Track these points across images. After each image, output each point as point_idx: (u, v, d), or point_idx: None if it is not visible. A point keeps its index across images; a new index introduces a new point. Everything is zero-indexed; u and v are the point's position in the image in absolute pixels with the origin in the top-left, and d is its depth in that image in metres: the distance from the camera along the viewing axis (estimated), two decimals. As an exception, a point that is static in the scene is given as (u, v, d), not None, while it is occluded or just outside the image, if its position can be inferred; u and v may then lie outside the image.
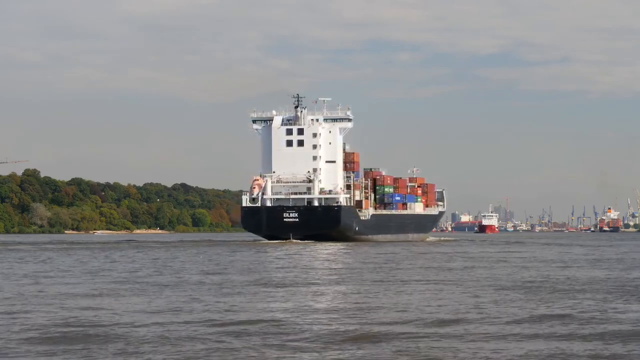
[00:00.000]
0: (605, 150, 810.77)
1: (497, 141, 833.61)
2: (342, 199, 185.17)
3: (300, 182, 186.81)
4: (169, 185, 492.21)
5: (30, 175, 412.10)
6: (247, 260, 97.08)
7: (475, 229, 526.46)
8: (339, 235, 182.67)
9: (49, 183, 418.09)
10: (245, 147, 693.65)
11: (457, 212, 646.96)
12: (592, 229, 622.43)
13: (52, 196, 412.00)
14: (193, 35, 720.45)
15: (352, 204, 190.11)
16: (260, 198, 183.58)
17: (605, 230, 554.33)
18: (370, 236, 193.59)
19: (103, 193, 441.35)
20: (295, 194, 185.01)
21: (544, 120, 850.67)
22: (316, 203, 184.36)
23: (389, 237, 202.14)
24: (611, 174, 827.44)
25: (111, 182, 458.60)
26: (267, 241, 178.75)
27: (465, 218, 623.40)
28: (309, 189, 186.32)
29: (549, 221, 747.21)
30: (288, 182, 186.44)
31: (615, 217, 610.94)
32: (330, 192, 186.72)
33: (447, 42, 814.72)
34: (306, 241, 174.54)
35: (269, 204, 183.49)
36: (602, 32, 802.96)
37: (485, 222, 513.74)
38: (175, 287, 58.87)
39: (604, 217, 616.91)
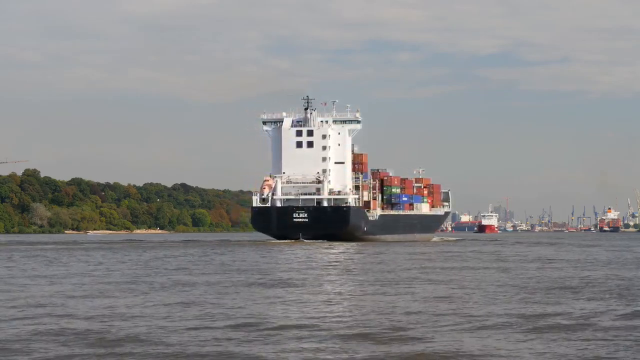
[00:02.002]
0: (605, 150, 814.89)
1: (497, 141, 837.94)
2: (351, 199, 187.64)
3: (309, 182, 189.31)
4: (169, 185, 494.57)
5: (30, 175, 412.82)
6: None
7: (475, 229, 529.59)
8: (347, 235, 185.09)
9: (49, 183, 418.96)
10: (245, 147, 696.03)
11: (457, 212, 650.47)
12: (592, 228, 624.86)
13: (52, 196, 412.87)
14: (193, 35, 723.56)
15: (360, 205, 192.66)
16: (270, 198, 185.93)
17: (605, 230, 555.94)
18: (378, 236, 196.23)
19: (103, 193, 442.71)
20: (305, 194, 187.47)
21: (544, 120, 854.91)
22: (325, 203, 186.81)
23: (396, 237, 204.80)
24: (611, 174, 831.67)
25: (111, 182, 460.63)
26: (277, 241, 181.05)
27: (465, 218, 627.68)
28: (318, 189, 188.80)
29: (549, 221, 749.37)
30: (298, 183, 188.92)
31: (615, 217, 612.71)
32: (339, 192, 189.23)
33: (447, 42, 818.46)
34: (314, 241, 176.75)
35: (278, 204, 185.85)
36: (602, 32, 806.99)
37: (484, 222, 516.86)
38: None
39: (604, 217, 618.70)
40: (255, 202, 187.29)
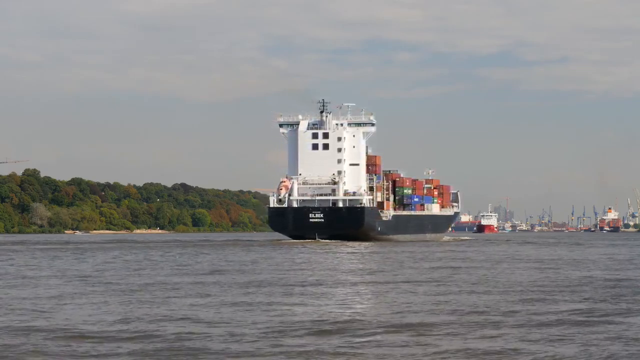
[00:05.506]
0: (605, 151, 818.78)
1: (497, 141, 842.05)
2: (366, 200, 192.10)
3: (325, 184, 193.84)
4: (169, 185, 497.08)
5: (30, 175, 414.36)
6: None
7: (474, 229, 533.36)
8: (362, 235, 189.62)
9: (49, 183, 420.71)
10: (245, 147, 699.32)
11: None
12: (592, 228, 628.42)
13: (52, 196, 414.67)
14: (192, 35, 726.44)
15: (374, 205, 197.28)
16: (286, 199, 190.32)
17: (606, 231, 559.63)
18: (391, 236, 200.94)
19: (103, 193, 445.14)
20: (321, 195, 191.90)
21: (544, 120, 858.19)
22: (341, 204, 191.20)
23: (408, 237, 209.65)
24: (611, 174, 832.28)
25: (111, 182, 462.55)
26: (293, 240, 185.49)
27: (465, 218, 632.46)
28: (333, 190, 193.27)
29: (549, 221, 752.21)
30: (314, 184, 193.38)
31: (616, 217, 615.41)
32: (354, 193, 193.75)
33: (447, 42, 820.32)
34: (331, 241, 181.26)
35: (295, 205, 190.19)
36: (602, 32, 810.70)
37: (484, 222, 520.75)
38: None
39: (604, 217, 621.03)
40: (272, 202, 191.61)
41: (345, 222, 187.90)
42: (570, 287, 60.50)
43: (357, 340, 35.76)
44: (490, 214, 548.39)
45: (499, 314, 43.80)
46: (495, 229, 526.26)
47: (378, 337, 36.38)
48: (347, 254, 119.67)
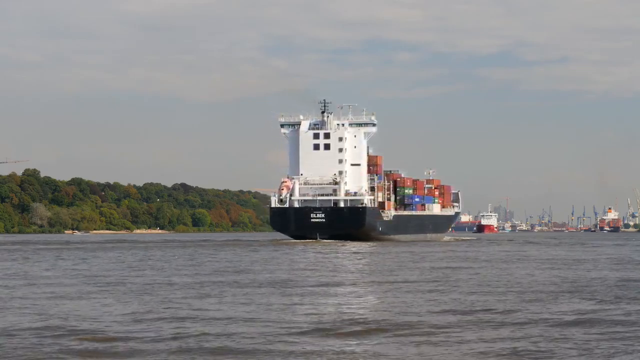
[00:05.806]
0: (605, 151, 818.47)
1: (497, 141, 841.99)
2: (367, 200, 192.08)
3: (326, 184, 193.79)
4: (169, 185, 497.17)
5: (30, 175, 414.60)
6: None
7: (474, 229, 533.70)
8: (363, 235, 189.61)
9: (49, 183, 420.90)
10: (245, 147, 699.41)
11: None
12: (592, 228, 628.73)
13: (52, 196, 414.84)
14: (192, 35, 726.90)
15: (375, 205, 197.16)
16: (288, 199, 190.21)
17: (606, 231, 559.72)
18: (392, 236, 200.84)
19: (103, 193, 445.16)
20: (322, 195, 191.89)
21: (544, 120, 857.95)
22: (342, 204, 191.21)
23: (409, 237, 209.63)
24: (611, 174, 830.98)
25: (111, 182, 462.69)
26: (295, 240, 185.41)
27: (465, 218, 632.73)
28: (335, 190, 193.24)
29: (549, 221, 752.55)
30: (315, 184, 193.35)
31: (616, 217, 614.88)
32: (355, 193, 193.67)
33: (447, 42, 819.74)
34: (332, 241, 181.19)
35: (296, 205, 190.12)
36: (602, 32, 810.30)
37: (484, 222, 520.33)
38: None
39: (604, 217, 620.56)
40: (274, 202, 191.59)
41: (346, 222, 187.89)
42: (571, 287, 60.30)
43: (358, 340, 35.73)
44: (490, 214, 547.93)
45: (499, 314, 43.76)
46: (495, 229, 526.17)
47: (379, 338, 36.32)
48: (348, 254, 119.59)
